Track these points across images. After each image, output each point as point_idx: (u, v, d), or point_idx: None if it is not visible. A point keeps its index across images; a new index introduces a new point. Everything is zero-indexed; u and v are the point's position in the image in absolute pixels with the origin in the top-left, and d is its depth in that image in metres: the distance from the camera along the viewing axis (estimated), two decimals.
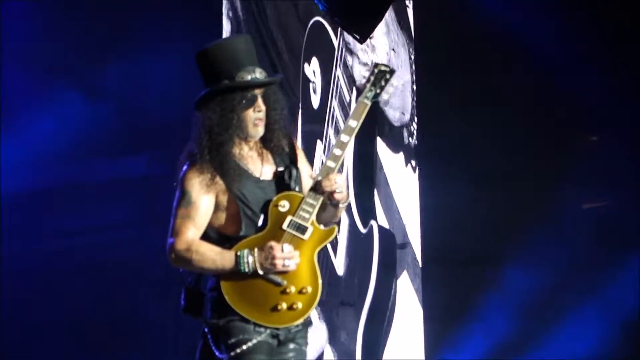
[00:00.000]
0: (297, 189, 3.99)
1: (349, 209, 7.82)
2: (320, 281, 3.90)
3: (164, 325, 6.30)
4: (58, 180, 6.68)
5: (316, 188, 3.91)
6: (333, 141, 7.74)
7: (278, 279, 3.85)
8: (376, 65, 4.11)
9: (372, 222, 8.11)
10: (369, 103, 4.05)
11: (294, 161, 4.05)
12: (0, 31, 6.40)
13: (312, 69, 7.60)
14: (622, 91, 8.83)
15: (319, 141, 7.58)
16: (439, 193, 8.90)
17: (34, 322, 6.56)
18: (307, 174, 4.08)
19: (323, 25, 7.83)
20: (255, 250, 3.81)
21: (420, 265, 8.78)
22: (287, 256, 3.82)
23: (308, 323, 3.99)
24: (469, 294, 8.89)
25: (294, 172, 4.01)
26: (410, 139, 8.81)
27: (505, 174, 8.96)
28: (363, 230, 8.02)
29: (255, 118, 3.95)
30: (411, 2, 9.02)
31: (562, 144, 9.16)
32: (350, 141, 3.98)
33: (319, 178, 3.92)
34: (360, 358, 7.78)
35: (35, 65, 6.58)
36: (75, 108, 6.59)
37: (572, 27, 8.63)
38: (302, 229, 3.88)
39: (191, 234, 3.86)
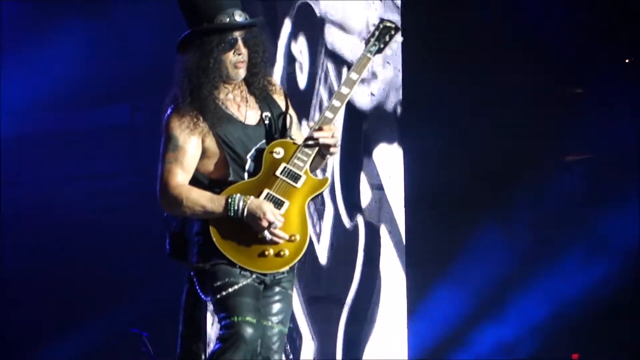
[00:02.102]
0: (291, 135, 3.98)
1: (334, 200, 7.80)
2: (309, 230, 3.88)
3: (147, 271, 6.30)
4: (43, 128, 6.65)
5: (312, 137, 3.89)
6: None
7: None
8: (382, 20, 4.10)
9: (359, 216, 8.09)
10: (371, 57, 4.03)
11: (281, 106, 4.02)
12: None
13: (299, 49, 7.56)
14: (606, 47, 8.87)
15: (304, 121, 7.57)
16: (424, 142, 8.96)
17: (20, 268, 6.57)
18: (294, 121, 4.05)
19: (312, 8, 7.79)
20: (250, 199, 3.78)
21: (404, 213, 8.82)
22: (275, 220, 3.78)
23: (294, 269, 3.97)
24: (453, 241, 8.95)
25: (287, 118, 4.00)
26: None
27: (487, 125, 8.99)
28: (348, 225, 7.99)
29: (236, 61, 3.91)
30: None
31: (546, 97, 9.18)
32: (350, 93, 3.95)
33: (317, 127, 3.89)
34: (340, 357, 7.75)
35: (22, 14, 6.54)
36: (61, 55, 6.55)
37: None
38: (295, 177, 3.87)
39: (180, 178, 3.84)
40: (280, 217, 3.79)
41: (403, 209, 8.88)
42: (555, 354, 9.02)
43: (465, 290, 8.95)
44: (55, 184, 6.65)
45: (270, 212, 3.76)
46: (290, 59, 7.44)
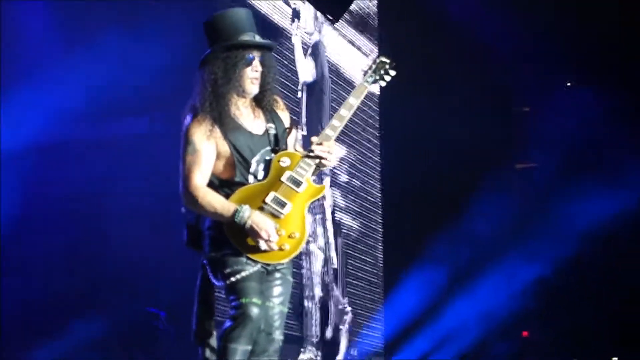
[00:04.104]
0: (289, 145, 3.97)
1: None
2: (307, 228, 3.86)
3: (165, 260, 6.26)
4: (73, 135, 6.62)
5: (313, 151, 3.87)
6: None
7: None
8: (378, 56, 4.10)
9: None
10: (368, 86, 4.03)
11: (283, 121, 3.99)
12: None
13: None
14: (555, 70, 8.94)
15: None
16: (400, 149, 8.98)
17: (52, 254, 6.54)
18: (292, 134, 4.03)
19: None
20: (255, 213, 3.74)
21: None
22: (269, 239, 3.75)
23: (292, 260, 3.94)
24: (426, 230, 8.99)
25: (289, 131, 3.98)
26: None
27: (451, 136, 9.04)
28: None
29: (252, 77, 3.89)
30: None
31: (500, 112, 9.23)
32: (348, 116, 3.94)
33: (318, 141, 3.88)
34: None
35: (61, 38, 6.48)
36: (89, 73, 6.51)
37: (516, 21, 8.67)
38: (297, 183, 3.84)
39: (198, 179, 3.79)
40: (275, 235, 3.75)
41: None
42: (509, 332, 9.10)
43: (433, 279, 9.00)
44: (85, 184, 6.60)
45: (271, 229, 3.75)
46: None
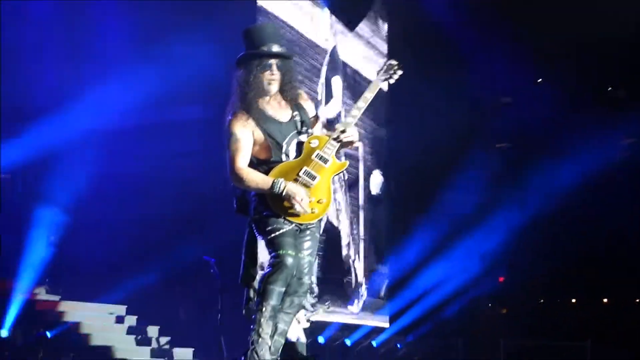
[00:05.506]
0: (316, 130, 4.06)
1: None
2: (332, 195, 3.96)
3: (220, 220, 6.30)
4: (144, 120, 6.71)
5: (338, 135, 3.97)
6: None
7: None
8: (388, 59, 4.17)
9: None
10: (380, 83, 4.10)
11: (307, 110, 4.07)
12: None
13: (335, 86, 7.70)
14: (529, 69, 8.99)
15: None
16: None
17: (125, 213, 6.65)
18: (318, 121, 4.11)
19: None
20: (289, 184, 3.85)
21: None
22: (302, 201, 3.86)
23: (320, 221, 4.03)
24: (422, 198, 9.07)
25: (312, 119, 4.07)
26: None
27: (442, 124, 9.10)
28: None
29: (269, 79, 3.98)
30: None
31: (485, 103, 9.29)
32: (364, 107, 4.03)
33: (341, 129, 3.98)
34: None
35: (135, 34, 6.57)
36: (155, 72, 6.61)
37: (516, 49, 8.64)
38: (324, 160, 3.95)
39: (241, 162, 3.91)
40: (306, 199, 3.85)
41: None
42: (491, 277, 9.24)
43: (429, 236, 9.13)
44: (153, 159, 6.70)
45: (303, 194, 3.85)
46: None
